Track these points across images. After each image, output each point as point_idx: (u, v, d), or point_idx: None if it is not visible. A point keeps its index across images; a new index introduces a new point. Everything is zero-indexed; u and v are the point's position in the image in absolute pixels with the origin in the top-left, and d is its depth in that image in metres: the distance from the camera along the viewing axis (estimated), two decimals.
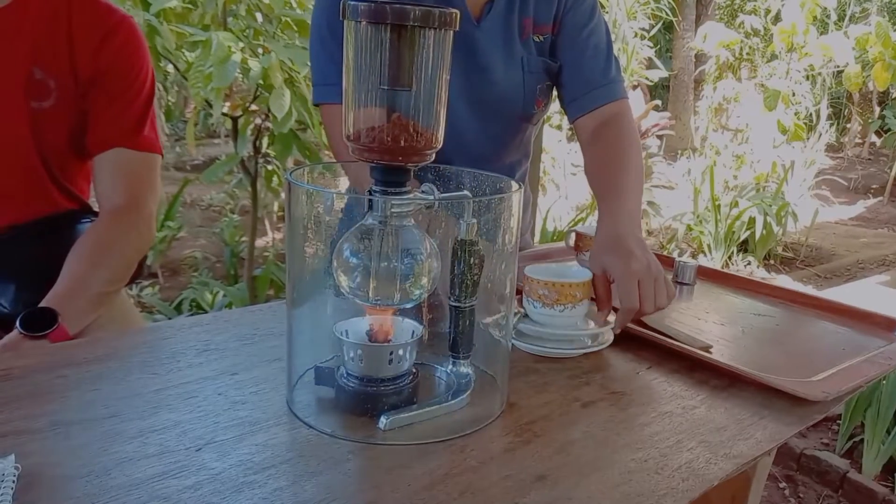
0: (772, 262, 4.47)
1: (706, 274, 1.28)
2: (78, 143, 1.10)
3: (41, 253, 1.04)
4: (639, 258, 0.93)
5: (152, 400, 0.73)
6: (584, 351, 0.90)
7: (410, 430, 0.70)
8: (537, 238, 3.35)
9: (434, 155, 0.71)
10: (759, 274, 4.18)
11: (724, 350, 0.94)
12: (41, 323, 0.92)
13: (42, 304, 0.95)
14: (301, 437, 0.68)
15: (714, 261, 4.18)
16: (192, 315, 2.81)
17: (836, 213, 5.90)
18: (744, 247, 4.43)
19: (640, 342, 0.94)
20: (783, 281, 3.97)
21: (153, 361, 0.82)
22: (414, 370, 0.75)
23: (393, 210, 0.70)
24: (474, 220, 0.72)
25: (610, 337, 0.92)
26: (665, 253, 1.42)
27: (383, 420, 0.70)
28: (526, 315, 0.93)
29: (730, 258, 4.29)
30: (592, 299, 0.94)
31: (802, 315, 1.13)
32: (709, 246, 4.30)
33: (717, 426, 0.75)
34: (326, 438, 0.68)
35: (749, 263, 4.29)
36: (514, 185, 0.74)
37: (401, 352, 0.73)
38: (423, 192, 0.71)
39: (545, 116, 1.32)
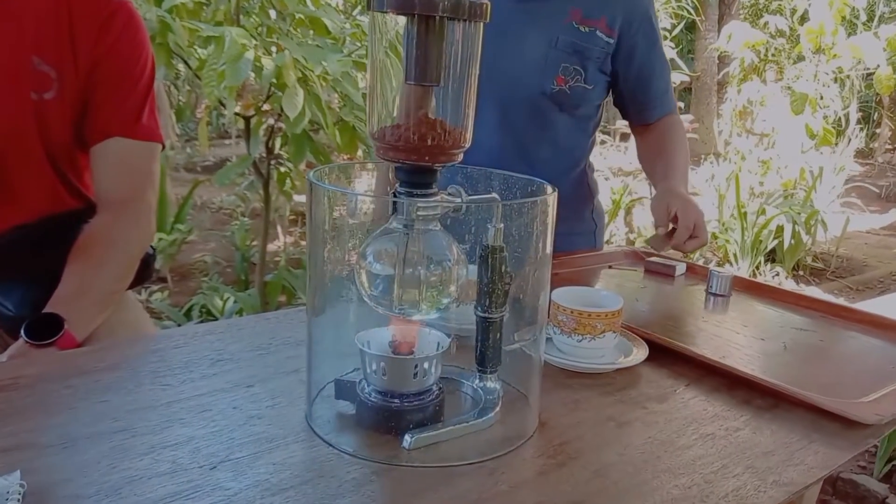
0: (801, 272, 4.35)
1: (742, 285, 1.22)
2: (82, 136, 1.07)
3: (48, 254, 1.01)
4: (693, 202, 1.20)
5: (164, 413, 0.69)
6: (617, 366, 0.85)
7: (436, 450, 0.66)
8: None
9: (462, 155, 0.67)
10: (788, 285, 4.07)
11: (766, 367, 0.89)
12: (47, 330, 0.88)
13: (46, 310, 0.92)
14: (321, 456, 0.64)
15: (741, 271, 4.08)
16: (203, 322, 2.78)
17: (867, 221, 5.75)
18: (771, 256, 4.32)
19: (676, 357, 0.89)
20: (813, 293, 3.87)
21: (165, 371, 0.78)
22: (439, 385, 0.71)
23: (419, 213, 0.66)
24: (502, 225, 0.67)
25: (644, 353, 0.87)
26: (690, 261, 1.37)
27: (408, 439, 0.65)
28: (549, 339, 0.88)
29: (757, 268, 4.19)
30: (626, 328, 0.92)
31: (845, 330, 1.07)
32: (735, 255, 4.19)
33: (764, 450, 0.70)
34: (347, 458, 0.64)
35: (777, 274, 4.18)
36: (549, 189, 0.70)
37: (426, 365, 0.69)
38: (449, 194, 0.67)
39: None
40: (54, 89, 1.01)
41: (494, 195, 0.69)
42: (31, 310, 0.95)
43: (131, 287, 1.14)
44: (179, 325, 2.80)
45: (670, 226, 1.18)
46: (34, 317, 0.91)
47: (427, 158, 0.64)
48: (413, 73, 0.63)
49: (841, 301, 1.60)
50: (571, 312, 0.84)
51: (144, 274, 1.15)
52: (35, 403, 0.71)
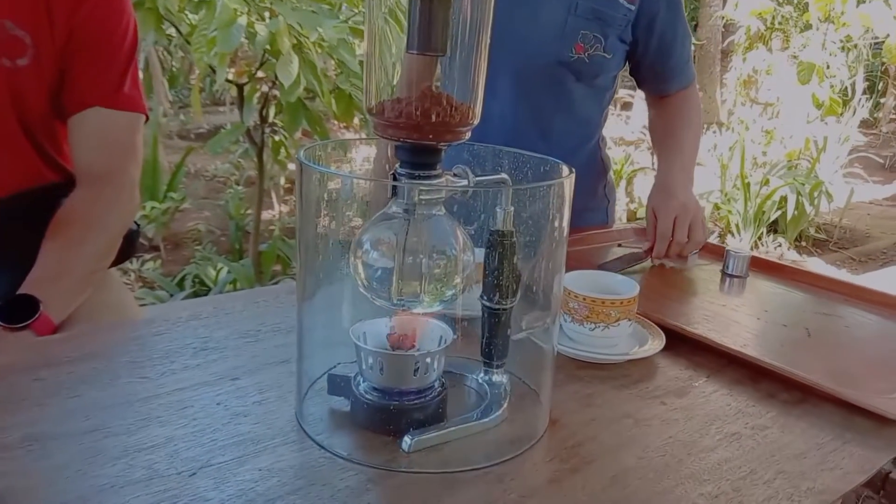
0: (803, 243, 4.30)
1: (759, 265, 1.16)
2: (60, 106, 1.00)
3: (24, 231, 0.94)
4: (679, 198, 1.15)
5: (141, 410, 0.64)
6: (631, 357, 0.79)
7: (439, 453, 0.60)
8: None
9: (470, 133, 0.60)
10: (790, 256, 4.01)
11: (790, 356, 0.83)
12: (22, 312, 0.82)
13: (21, 291, 0.86)
14: (312, 461, 0.58)
15: (743, 241, 4.03)
16: (191, 296, 2.71)
17: (871, 192, 5.66)
18: (773, 227, 4.25)
19: (694, 346, 0.83)
20: (816, 264, 3.81)
21: (144, 362, 0.72)
22: (442, 381, 0.65)
23: (421, 197, 0.59)
24: (513, 209, 0.61)
25: (660, 342, 0.81)
26: None
27: (407, 441, 0.60)
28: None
29: (759, 239, 4.13)
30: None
31: (871, 313, 1.01)
32: (737, 226, 4.13)
33: (796, 452, 0.64)
34: (341, 463, 0.58)
35: (780, 245, 4.12)
36: (565, 170, 0.63)
37: (428, 360, 0.63)
38: (455, 175, 0.61)
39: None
40: (29, 55, 0.94)
41: (504, 175, 0.62)
42: (6, 291, 0.89)
43: (114, 265, 1.08)
44: (171, 296, 2.74)
45: (646, 244, 1.17)
46: (8, 298, 0.86)
47: (431, 136, 0.57)
48: (416, 42, 0.56)
49: (855, 280, 1.54)
50: (584, 299, 0.78)
51: (128, 251, 1.09)
52: (0, 398, 0.65)
